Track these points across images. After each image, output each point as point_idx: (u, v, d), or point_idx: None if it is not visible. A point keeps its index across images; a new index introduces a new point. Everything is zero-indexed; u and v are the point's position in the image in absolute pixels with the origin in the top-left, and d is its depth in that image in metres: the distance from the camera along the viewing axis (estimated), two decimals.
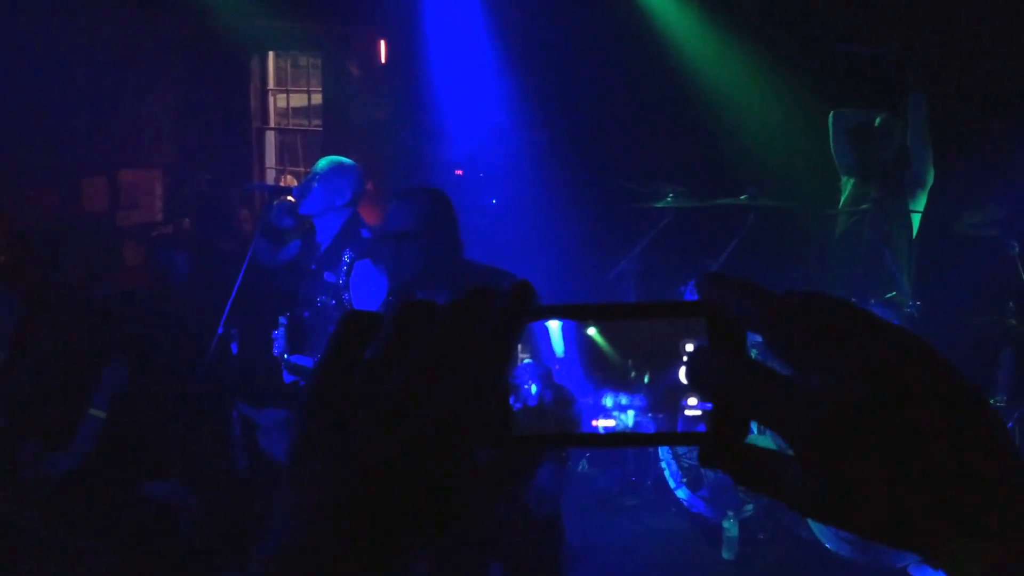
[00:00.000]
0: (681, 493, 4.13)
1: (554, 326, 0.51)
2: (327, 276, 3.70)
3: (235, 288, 3.98)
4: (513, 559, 2.70)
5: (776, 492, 0.46)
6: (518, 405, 0.51)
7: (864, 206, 4.72)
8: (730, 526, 3.93)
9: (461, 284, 2.71)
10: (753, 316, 0.46)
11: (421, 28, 6.68)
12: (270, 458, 3.49)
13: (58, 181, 7.02)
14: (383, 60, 7.13)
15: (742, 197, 4.63)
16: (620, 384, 0.51)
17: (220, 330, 4.05)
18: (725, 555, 3.95)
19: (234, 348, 4.11)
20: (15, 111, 6.15)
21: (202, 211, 7.23)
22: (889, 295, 4.51)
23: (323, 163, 3.84)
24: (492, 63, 6.53)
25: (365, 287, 3.63)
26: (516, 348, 0.50)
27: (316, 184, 3.74)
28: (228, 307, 4.01)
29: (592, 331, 0.51)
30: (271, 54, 8.18)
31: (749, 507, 3.94)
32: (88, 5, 6.55)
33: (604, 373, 0.51)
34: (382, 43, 7.10)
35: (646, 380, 0.51)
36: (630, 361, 0.51)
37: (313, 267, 3.77)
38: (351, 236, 3.71)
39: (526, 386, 0.51)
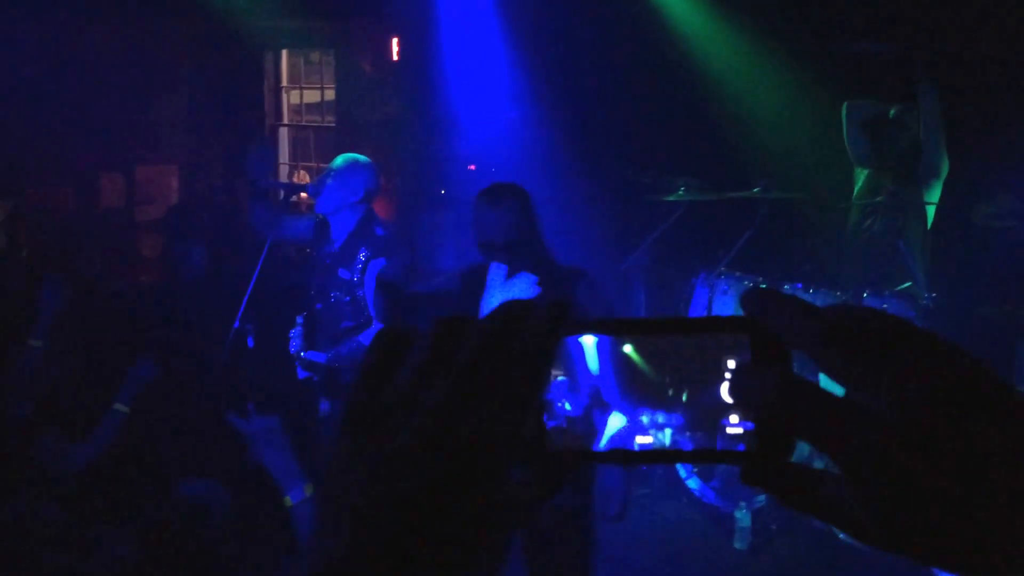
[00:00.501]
0: (692, 483, 4.14)
1: (589, 342, 0.50)
2: (341, 273, 3.72)
3: (251, 284, 4.01)
4: (537, 545, 2.71)
5: (823, 513, 0.45)
6: (552, 422, 0.50)
7: (878, 198, 4.70)
8: (742, 516, 3.94)
9: (548, 282, 2.81)
10: (801, 333, 0.45)
11: (433, 24, 6.70)
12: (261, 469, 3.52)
13: (76, 177, 7.11)
14: (395, 56, 7.15)
15: (755, 190, 4.63)
16: (657, 401, 0.50)
17: (236, 325, 4.08)
18: (737, 545, 3.96)
19: (250, 343, 4.15)
20: (33, 109, 6.22)
21: (216, 206, 7.29)
22: (904, 287, 4.49)
23: (338, 161, 3.84)
24: (504, 58, 6.54)
25: None
26: (551, 365, 0.49)
27: (330, 181, 3.74)
28: (244, 302, 4.05)
29: (628, 347, 0.50)
30: (284, 51, 8.22)
31: (761, 498, 3.95)
32: (103, 5, 6.61)
33: (641, 390, 0.50)
34: (394, 39, 7.12)
35: (684, 398, 0.50)
36: (668, 378, 0.50)
37: (328, 262, 3.79)
38: (366, 233, 3.72)
39: (560, 403, 0.51)
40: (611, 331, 0.50)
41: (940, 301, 4.39)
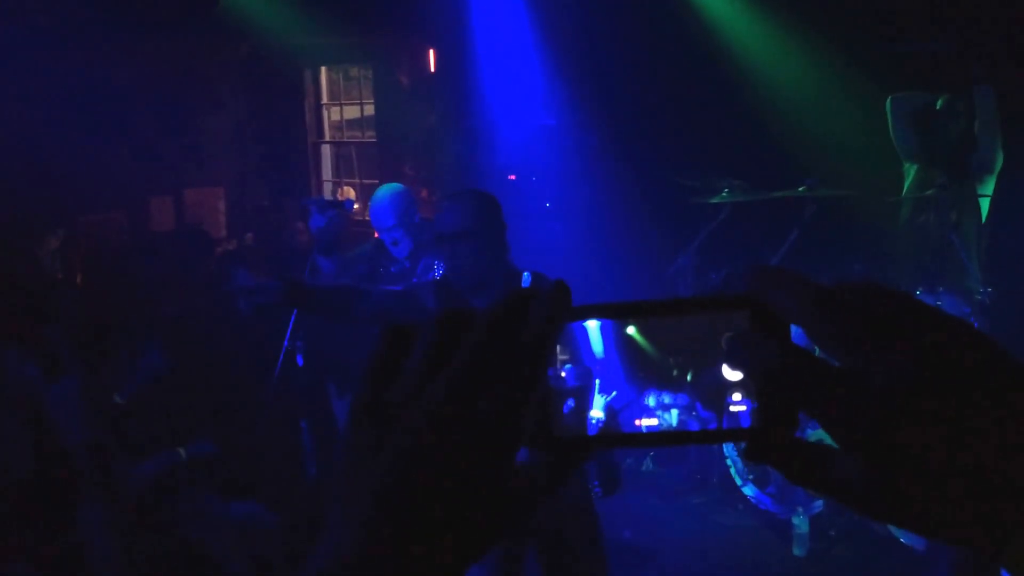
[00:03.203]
0: (748, 490, 4.08)
1: (593, 326, 0.51)
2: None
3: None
4: (547, 540, 2.71)
5: (828, 488, 0.45)
6: (562, 407, 0.51)
7: (928, 192, 4.61)
8: (800, 522, 3.88)
9: (511, 287, 2.74)
10: (798, 307, 0.44)
11: (469, 36, 6.73)
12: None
13: (126, 203, 7.26)
14: (432, 69, 7.20)
15: (800, 188, 4.56)
16: (662, 382, 0.50)
17: (286, 344, 4.14)
18: (796, 552, 3.90)
19: (299, 361, 4.20)
20: (81, 137, 6.38)
21: (262, 226, 7.39)
22: (960, 282, 4.40)
23: (382, 195, 4.01)
24: (540, 67, 6.54)
25: None
26: (555, 351, 0.50)
27: (398, 231, 3.93)
28: (292, 321, 4.10)
29: (631, 330, 0.50)
30: (323, 69, 8.33)
31: (819, 503, 3.88)
32: (147, 31, 6.75)
33: (645, 372, 0.50)
34: (431, 52, 7.16)
35: (689, 377, 0.50)
36: (671, 359, 0.50)
37: (395, 271, 3.94)
38: (426, 247, 3.88)
39: (567, 388, 0.51)
40: (614, 315, 0.50)
41: (996, 295, 4.29)
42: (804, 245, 4.64)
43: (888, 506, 0.42)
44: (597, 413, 0.51)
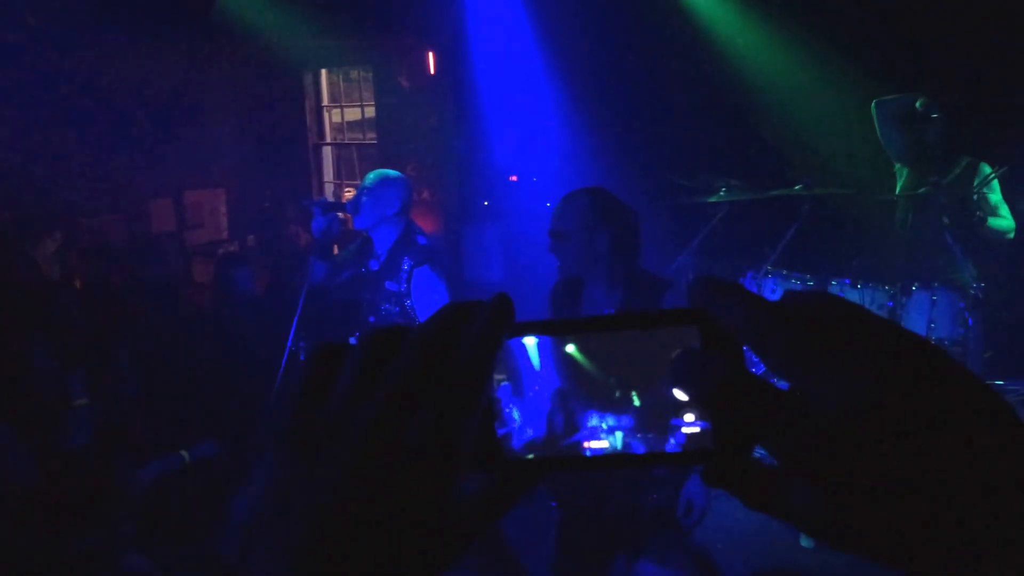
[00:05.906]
0: None
1: (531, 343, 0.48)
2: (388, 285, 3.80)
3: (300, 305, 4.10)
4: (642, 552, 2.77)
5: (785, 515, 0.42)
6: (501, 429, 0.48)
7: (920, 190, 4.65)
8: None
9: (624, 284, 2.87)
10: (742, 323, 0.41)
11: (468, 38, 6.77)
12: None
13: (127, 205, 7.29)
14: (432, 71, 7.24)
15: (797, 187, 4.60)
16: (605, 404, 0.47)
17: (289, 345, 4.17)
18: (803, 543, 3.94)
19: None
20: (83, 139, 6.41)
21: (263, 228, 7.43)
22: (955, 277, 4.44)
23: (370, 177, 3.95)
24: (539, 68, 6.59)
25: (426, 293, 3.73)
26: (492, 370, 0.46)
27: (365, 198, 3.85)
28: (295, 323, 4.13)
29: (571, 348, 0.47)
30: (324, 71, 8.36)
31: None
32: (147, 36, 6.79)
33: (587, 392, 0.47)
34: (430, 54, 7.20)
35: (633, 398, 0.47)
36: (613, 379, 0.47)
37: (375, 268, 3.89)
38: (408, 244, 3.81)
39: (507, 409, 0.48)
40: (555, 331, 0.47)
41: (989, 291, 4.34)
42: (800, 243, 4.69)
43: (842, 536, 0.40)
44: None
